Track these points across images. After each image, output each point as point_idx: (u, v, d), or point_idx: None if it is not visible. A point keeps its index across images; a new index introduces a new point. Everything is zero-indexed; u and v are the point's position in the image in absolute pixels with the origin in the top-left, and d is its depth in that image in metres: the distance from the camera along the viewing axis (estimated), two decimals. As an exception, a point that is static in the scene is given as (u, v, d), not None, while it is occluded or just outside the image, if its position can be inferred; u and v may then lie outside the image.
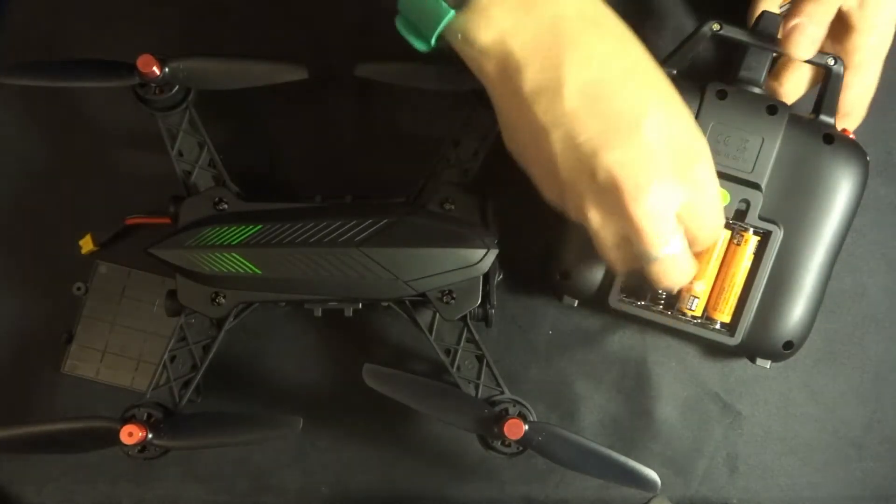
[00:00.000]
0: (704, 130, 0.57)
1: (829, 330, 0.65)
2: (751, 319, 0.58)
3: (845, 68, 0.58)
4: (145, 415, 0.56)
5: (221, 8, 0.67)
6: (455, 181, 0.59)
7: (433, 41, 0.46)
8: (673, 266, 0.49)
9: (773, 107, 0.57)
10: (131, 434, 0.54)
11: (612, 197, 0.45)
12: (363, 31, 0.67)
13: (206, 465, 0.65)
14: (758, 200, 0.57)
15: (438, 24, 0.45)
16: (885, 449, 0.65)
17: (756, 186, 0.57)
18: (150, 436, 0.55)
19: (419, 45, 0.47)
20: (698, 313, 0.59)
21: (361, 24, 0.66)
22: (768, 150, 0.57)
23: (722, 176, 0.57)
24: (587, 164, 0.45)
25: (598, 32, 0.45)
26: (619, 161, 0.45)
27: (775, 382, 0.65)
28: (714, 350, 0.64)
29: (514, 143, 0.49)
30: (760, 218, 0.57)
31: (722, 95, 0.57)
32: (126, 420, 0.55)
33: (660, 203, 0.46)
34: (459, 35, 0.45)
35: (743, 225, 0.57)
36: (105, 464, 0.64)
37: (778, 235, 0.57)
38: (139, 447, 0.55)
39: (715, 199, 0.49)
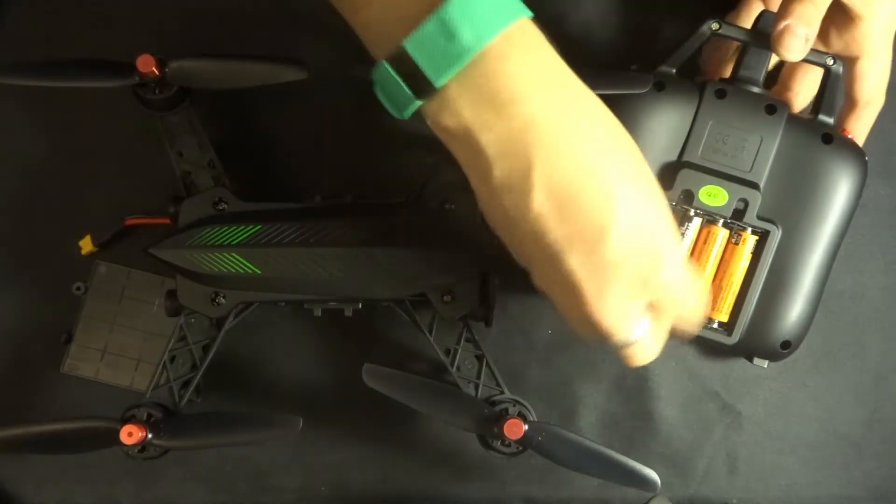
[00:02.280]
0: (703, 129, 0.57)
1: (829, 330, 0.65)
2: (748, 319, 0.58)
3: (858, 57, 0.58)
4: (145, 415, 0.56)
5: (221, 8, 0.67)
6: (455, 181, 0.59)
7: (406, 117, 0.46)
8: (639, 349, 0.49)
9: (772, 106, 0.57)
10: (131, 434, 0.54)
11: (575, 294, 0.45)
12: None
13: (206, 465, 0.65)
14: (756, 200, 0.57)
15: (408, 106, 0.45)
16: (885, 449, 0.65)
17: (754, 186, 0.57)
18: (149, 436, 0.55)
19: (395, 115, 0.47)
20: None
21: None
22: (767, 149, 0.57)
23: (720, 175, 0.57)
24: (553, 260, 0.45)
25: (572, 137, 0.44)
26: (582, 266, 0.44)
27: (775, 382, 0.65)
28: (712, 349, 0.64)
29: (490, 220, 0.48)
30: (759, 217, 0.57)
31: (721, 94, 0.57)
32: (126, 420, 0.55)
33: (621, 306, 0.46)
34: (429, 118, 0.45)
35: (741, 224, 0.57)
36: (105, 464, 0.64)
37: (776, 235, 0.57)
38: (139, 447, 0.55)
39: (684, 294, 0.48)
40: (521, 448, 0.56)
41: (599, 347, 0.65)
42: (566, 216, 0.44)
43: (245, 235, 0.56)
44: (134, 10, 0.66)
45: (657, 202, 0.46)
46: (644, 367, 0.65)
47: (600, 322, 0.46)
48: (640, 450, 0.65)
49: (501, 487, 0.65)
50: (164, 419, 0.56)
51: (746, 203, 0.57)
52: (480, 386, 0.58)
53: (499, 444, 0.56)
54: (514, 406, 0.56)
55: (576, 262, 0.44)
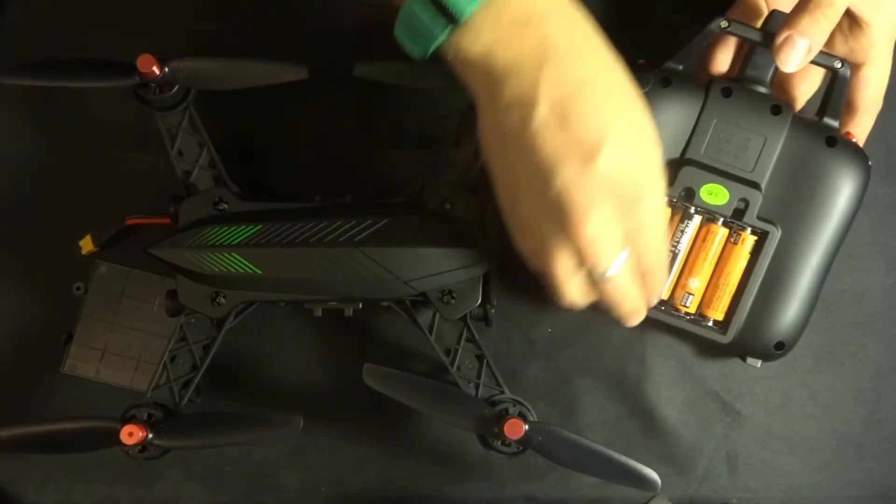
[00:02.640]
0: (707, 128, 0.57)
1: (829, 330, 0.65)
2: (743, 319, 0.58)
3: (862, 64, 0.57)
4: (145, 415, 0.56)
5: (221, 8, 0.67)
6: (455, 181, 0.59)
7: (429, 54, 0.49)
8: (622, 291, 0.51)
9: (778, 107, 0.57)
10: (131, 434, 0.54)
11: (561, 213, 0.47)
12: (363, 30, 0.67)
13: (206, 465, 0.65)
14: (756, 200, 0.57)
15: (434, 40, 0.47)
16: (884, 449, 0.65)
17: (756, 186, 0.57)
18: (150, 436, 0.55)
19: (416, 54, 0.49)
20: (692, 310, 0.59)
21: (362, 23, 0.67)
22: (770, 150, 0.57)
23: (722, 174, 0.57)
24: (543, 178, 0.47)
25: (581, 56, 0.47)
26: (572, 179, 0.46)
27: (775, 382, 0.65)
28: (706, 348, 0.64)
29: (486, 149, 0.50)
30: (759, 218, 0.57)
31: (727, 93, 0.57)
32: (126, 420, 0.55)
33: (604, 227, 0.47)
34: (451, 50, 0.48)
35: (741, 224, 0.57)
36: (105, 464, 0.64)
37: (775, 236, 0.57)
38: (139, 447, 0.55)
39: (656, 238, 0.50)
40: (521, 448, 0.56)
41: (599, 348, 0.65)
42: (566, 126, 0.46)
43: (245, 235, 0.56)
44: (134, 9, 0.67)
45: (650, 138, 0.49)
46: (644, 366, 0.65)
47: (584, 241, 0.47)
48: (640, 449, 0.65)
49: (501, 487, 0.65)
50: (165, 419, 0.56)
51: (747, 203, 0.57)
52: (481, 386, 0.58)
53: (499, 443, 0.56)
54: (515, 406, 0.56)
55: (569, 175, 0.46)
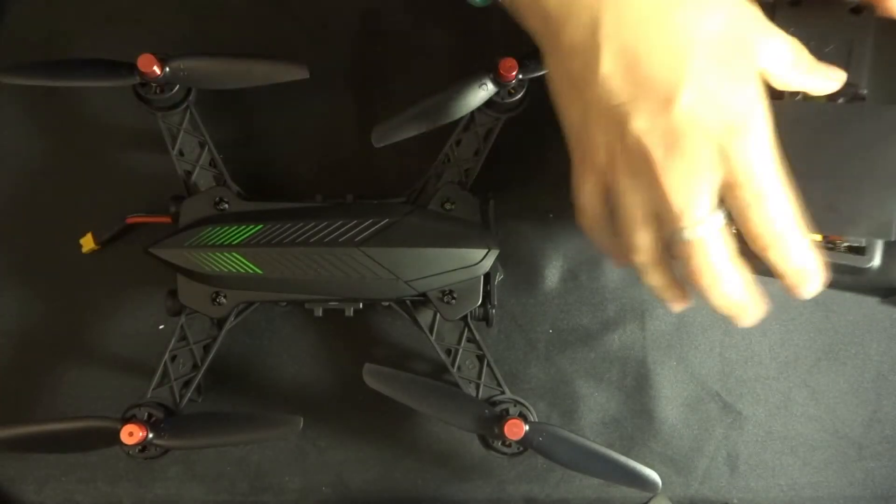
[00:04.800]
0: None
1: (829, 330, 0.65)
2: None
3: None
4: (146, 414, 0.56)
5: (221, 8, 0.67)
6: (455, 181, 0.59)
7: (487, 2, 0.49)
8: (707, 254, 0.44)
9: (857, 7, 0.51)
10: (132, 434, 0.54)
11: (641, 164, 0.43)
12: (364, 30, 0.67)
13: (206, 465, 0.65)
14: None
15: None
16: (885, 448, 0.65)
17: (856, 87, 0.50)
18: (150, 435, 0.55)
19: (476, 3, 0.50)
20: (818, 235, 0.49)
21: (362, 23, 0.67)
22: (862, 50, 0.50)
23: None
24: (618, 128, 0.43)
25: None
26: (649, 129, 0.42)
27: (776, 382, 0.65)
28: (848, 291, 0.53)
29: (554, 92, 0.47)
30: None
31: (795, 2, 0.51)
32: (127, 420, 0.55)
33: (691, 175, 0.42)
34: None
35: None
36: (105, 463, 0.64)
37: None
38: (140, 447, 0.55)
39: (765, 182, 0.42)
40: (521, 448, 0.56)
41: (599, 348, 0.65)
42: (634, 77, 0.42)
43: (246, 235, 0.56)
44: (134, 9, 0.66)
45: (738, 59, 0.43)
46: (644, 366, 0.65)
47: (667, 195, 0.43)
48: (641, 450, 0.65)
49: (501, 487, 0.65)
50: (165, 419, 0.56)
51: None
52: (481, 386, 0.58)
53: (499, 444, 0.56)
54: (515, 406, 0.56)
55: (643, 126, 0.42)
